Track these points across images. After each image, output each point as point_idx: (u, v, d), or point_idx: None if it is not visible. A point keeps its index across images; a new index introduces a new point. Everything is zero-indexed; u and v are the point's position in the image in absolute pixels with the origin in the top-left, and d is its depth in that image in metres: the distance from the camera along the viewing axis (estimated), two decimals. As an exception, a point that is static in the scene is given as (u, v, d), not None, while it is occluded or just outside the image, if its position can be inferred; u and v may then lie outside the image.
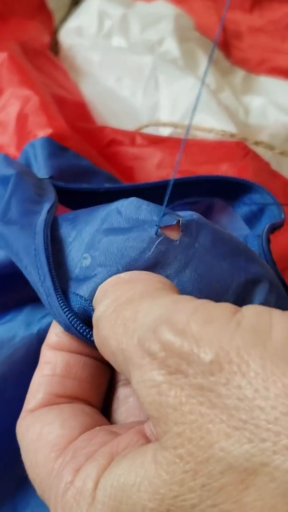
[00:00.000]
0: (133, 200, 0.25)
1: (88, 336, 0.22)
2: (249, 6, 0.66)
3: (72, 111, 0.50)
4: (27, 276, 0.25)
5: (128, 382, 0.23)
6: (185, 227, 0.23)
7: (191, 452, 0.14)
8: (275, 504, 0.13)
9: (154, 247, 0.23)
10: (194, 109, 0.24)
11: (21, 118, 0.38)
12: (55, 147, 0.35)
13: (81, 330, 0.22)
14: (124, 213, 0.24)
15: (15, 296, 0.29)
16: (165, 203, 0.24)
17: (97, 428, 0.20)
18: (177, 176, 0.41)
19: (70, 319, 0.22)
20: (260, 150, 0.45)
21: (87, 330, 0.22)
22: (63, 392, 0.22)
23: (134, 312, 0.18)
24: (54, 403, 0.21)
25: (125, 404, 0.22)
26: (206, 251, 0.23)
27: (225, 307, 0.16)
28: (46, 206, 0.27)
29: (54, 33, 0.63)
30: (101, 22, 0.60)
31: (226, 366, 0.14)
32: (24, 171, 0.32)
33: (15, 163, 0.34)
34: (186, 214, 0.25)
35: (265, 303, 0.23)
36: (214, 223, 0.35)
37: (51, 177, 0.33)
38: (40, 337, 0.27)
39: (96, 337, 0.20)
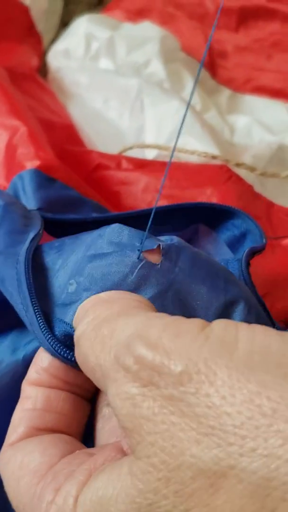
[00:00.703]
0: (115, 226, 0.26)
1: (72, 358, 0.22)
2: (235, 25, 0.68)
3: (61, 134, 0.51)
4: (12, 303, 0.26)
5: None
6: (165, 252, 0.25)
7: (163, 460, 0.15)
8: (243, 505, 0.14)
9: (136, 271, 0.24)
10: (179, 133, 0.25)
11: (10, 149, 0.39)
12: (43, 178, 0.36)
13: (65, 355, 0.23)
14: (107, 238, 0.25)
15: (1, 322, 0.30)
16: (148, 228, 0.25)
17: (77, 451, 0.21)
18: (163, 201, 0.43)
19: (54, 346, 0.23)
20: (243, 172, 0.47)
21: (70, 353, 0.23)
22: (44, 425, 0.22)
23: (111, 330, 0.19)
24: (34, 436, 0.22)
25: (109, 423, 0.23)
26: (186, 275, 0.24)
27: (195, 322, 0.17)
28: (31, 235, 0.28)
29: (43, 55, 0.65)
30: (88, 45, 0.61)
31: (194, 376, 0.15)
32: (12, 202, 0.33)
33: (3, 193, 0.35)
34: (166, 238, 0.26)
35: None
36: (199, 248, 0.37)
37: (39, 209, 0.34)
38: (26, 363, 0.28)
39: (77, 355, 0.21)
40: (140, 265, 0.24)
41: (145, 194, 0.44)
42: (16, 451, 0.21)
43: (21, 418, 0.23)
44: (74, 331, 0.23)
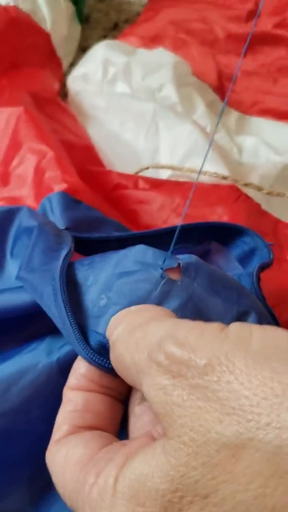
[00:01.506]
0: (140, 247, 0.30)
1: (106, 364, 0.26)
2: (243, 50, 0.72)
3: (81, 154, 0.55)
4: (50, 316, 0.29)
5: (142, 401, 0.27)
6: (185, 269, 0.28)
7: (192, 438, 0.18)
8: (261, 469, 0.16)
9: (159, 287, 0.27)
10: (204, 159, 0.29)
11: (38, 172, 0.43)
12: (70, 200, 0.40)
13: (100, 362, 0.26)
14: (133, 258, 0.29)
15: (38, 329, 0.33)
16: (171, 248, 0.29)
17: (114, 443, 0.24)
18: (179, 219, 0.47)
19: (90, 355, 0.26)
20: (251, 191, 0.50)
21: (104, 360, 0.26)
22: (84, 423, 0.25)
23: (144, 333, 0.22)
24: (76, 433, 0.25)
25: (140, 420, 0.26)
26: (203, 289, 0.28)
27: (216, 324, 0.21)
28: (63, 253, 0.31)
29: (62, 78, 0.69)
30: (106, 69, 0.65)
31: (217, 367, 0.18)
32: (45, 222, 0.37)
33: (37, 214, 0.38)
34: (185, 257, 0.29)
35: None
36: (211, 264, 0.40)
37: (67, 228, 0.38)
38: (60, 364, 0.31)
39: (113, 357, 0.24)
40: (162, 282, 0.27)
41: (160, 212, 0.48)
42: (61, 446, 0.24)
43: (64, 419, 0.26)
44: (106, 340, 0.26)
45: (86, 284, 0.29)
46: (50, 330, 0.33)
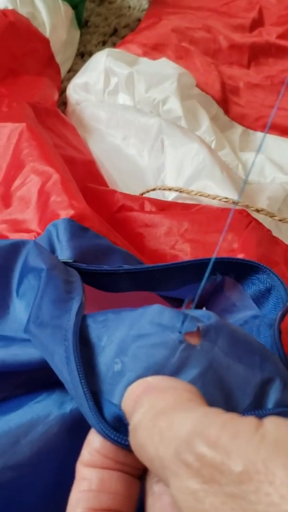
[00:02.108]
0: (156, 307, 0.28)
1: (123, 441, 0.24)
2: (247, 61, 0.70)
3: (82, 170, 0.53)
4: (62, 380, 0.27)
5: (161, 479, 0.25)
6: (205, 333, 0.26)
7: None
8: None
9: (178, 353, 0.25)
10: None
11: (42, 195, 0.41)
12: (77, 228, 0.38)
13: (116, 438, 0.24)
14: (149, 319, 0.27)
15: (48, 381, 0.31)
16: (194, 304, 0.27)
17: None
18: (187, 244, 0.45)
19: (104, 429, 0.24)
20: (261, 216, 0.49)
21: (120, 437, 0.24)
22: (100, 506, 0.23)
23: (169, 423, 0.20)
24: None
25: (159, 501, 0.24)
26: (224, 354, 0.26)
27: (250, 422, 0.19)
28: (75, 306, 0.29)
29: (61, 83, 0.66)
30: (108, 79, 0.63)
31: (254, 476, 0.17)
32: (54, 265, 0.34)
33: (43, 253, 0.36)
34: (204, 316, 0.28)
35: (281, 401, 0.26)
36: (225, 300, 0.38)
37: (74, 261, 0.36)
38: (73, 415, 0.29)
39: (133, 444, 0.22)
40: (181, 348, 0.25)
41: (167, 237, 0.46)
42: None
43: (78, 500, 0.24)
44: (122, 412, 0.24)
45: (100, 345, 0.27)
46: (60, 382, 0.31)
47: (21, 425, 0.29)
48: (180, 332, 0.26)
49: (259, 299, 0.36)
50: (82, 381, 0.25)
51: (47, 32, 0.65)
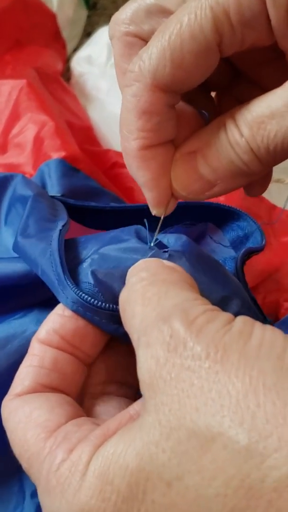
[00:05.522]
0: (132, 227, 0.30)
1: (95, 303, 0.25)
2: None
3: (79, 135, 0.55)
4: (41, 276, 0.28)
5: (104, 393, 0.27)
6: (173, 245, 0.28)
7: (168, 419, 0.18)
8: (225, 467, 0.16)
9: (148, 256, 0.27)
10: None
11: (38, 141, 0.43)
12: (68, 168, 0.40)
13: (89, 300, 0.25)
14: (127, 231, 0.29)
15: (26, 300, 0.33)
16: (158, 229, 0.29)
17: (83, 418, 0.23)
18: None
19: (78, 294, 0.25)
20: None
21: (95, 301, 0.25)
22: (49, 383, 0.25)
23: (164, 291, 0.22)
24: (39, 391, 0.25)
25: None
26: (191, 264, 0.28)
27: (227, 315, 0.20)
28: (60, 223, 0.31)
29: (66, 61, 0.69)
30: (110, 53, 0.65)
31: (212, 355, 0.18)
32: (40, 193, 0.36)
33: (31, 183, 0.38)
34: (175, 236, 0.29)
35: (238, 314, 0.28)
36: (206, 244, 0.40)
37: (63, 195, 0.38)
38: None
39: (124, 296, 0.23)
40: (151, 253, 0.27)
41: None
42: (24, 403, 0.24)
43: (28, 373, 0.25)
44: (97, 291, 0.26)
45: (80, 252, 0.29)
46: (39, 303, 0.33)
47: None
48: (151, 241, 0.28)
49: (237, 244, 0.38)
50: (63, 262, 0.27)
51: (54, 7, 0.67)
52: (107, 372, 0.27)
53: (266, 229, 0.45)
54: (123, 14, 0.25)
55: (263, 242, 0.35)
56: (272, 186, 0.52)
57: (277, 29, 0.21)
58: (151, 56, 0.22)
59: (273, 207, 0.49)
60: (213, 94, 0.29)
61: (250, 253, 0.33)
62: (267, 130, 0.21)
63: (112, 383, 0.27)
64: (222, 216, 0.39)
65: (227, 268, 0.33)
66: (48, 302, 0.29)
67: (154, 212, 0.27)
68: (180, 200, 0.28)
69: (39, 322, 0.32)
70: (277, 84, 0.22)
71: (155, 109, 0.23)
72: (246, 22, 0.21)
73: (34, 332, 0.31)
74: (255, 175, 0.24)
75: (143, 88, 0.23)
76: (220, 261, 0.35)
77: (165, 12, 0.24)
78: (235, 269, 0.32)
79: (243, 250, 0.33)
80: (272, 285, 0.41)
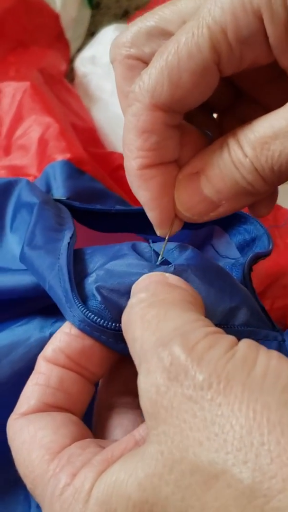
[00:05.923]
0: (137, 242, 0.30)
1: (101, 322, 0.25)
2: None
3: (82, 136, 0.55)
4: (48, 291, 0.28)
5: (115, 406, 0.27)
6: (178, 254, 0.28)
7: (170, 451, 0.17)
8: (229, 505, 0.16)
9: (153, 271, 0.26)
10: None
11: (42, 143, 0.43)
12: (73, 170, 0.40)
13: (95, 319, 0.25)
14: (131, 245, 0.29)
15: (29, 309, 0.32)
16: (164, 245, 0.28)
17: (88, 440, 0.23)
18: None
19: (85, 313, 0.25)
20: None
21: (101, 320, 0.25)
22: (55, 402, 0.24)
23: (163, 313, 0.21)
24: (45, 411, 0.24)
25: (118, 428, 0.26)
26: (197, 277, 0.27)
27: (229, 339, 0.20)
28: (68, 234, 0.31)
29: (70, 61, 0.68)
30: (114, 53, 0.65)
31: (214, 386, 0.18)
32: (46, 200, 0.36)
33: (36, 189, 0.37)
34: (180, 247, 0.29)
35: (247, 322, 0.28)
36: (211, 248, 0.39)
37: (68, 198, 0.37)
38: None
39: (125, 318, 0.23)
40: (156, 269, 0.27)
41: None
42: (29, 423, 0.23)
43: (33, 391, 0.25)
44: (104, 309, 0.25)
45: (87, 266, 0.29)
46: (41, 311, 0.32)
47: (3, 346, 0.31)
48: (157, 253, 0.28)
49: (244, 248, 0.37)
50: (72, 278, 0.26)
51: (57, 7, 0.67)
52: (124, 382, 0.27)
53: (272, 230, 0.45)
54: (123, 38, 0.25)
55: (270, 247, 0.34)
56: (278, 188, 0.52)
57: (276, 46, 0.21)
58: (150, 76, 0.22)
59: (279, 208, 0.49)
60: (214, 115, 0.29)
61: (257, 258, 0.33)
62: (271, 150, 0.21)
63: (127, 394, 0.27)
64: (229, 219, 0.38)
65: (233, 274, 0.33)
66: (51, 308, 0.29)
67: (158, 232, 0.27)
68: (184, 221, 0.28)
69: (43, 329, 0.32)
70: (280, 103, 0.22)
71: (154, 128, 0.23)
72: (244, 40, 0.21)
73: (38, 339, 0.31)
74: (260, 195, 0.24)
75: (142, 108, 0.23)
76: (227, 267, 0.34)
77: (166, 34, 0.24)
78: (242, 276, 0.32)
79: (250, 255, 0.33)
80: (280, 290, 0.41)
